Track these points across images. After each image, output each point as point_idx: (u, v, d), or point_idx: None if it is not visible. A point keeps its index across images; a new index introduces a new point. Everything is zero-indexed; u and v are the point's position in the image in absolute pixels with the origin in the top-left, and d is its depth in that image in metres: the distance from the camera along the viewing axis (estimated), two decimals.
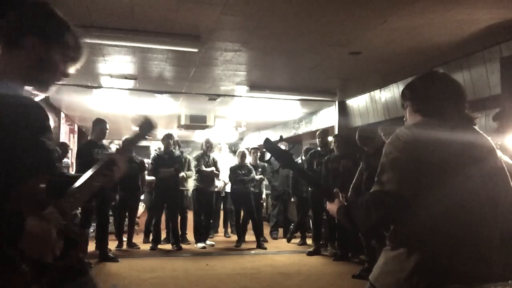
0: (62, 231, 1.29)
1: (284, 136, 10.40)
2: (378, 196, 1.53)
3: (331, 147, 6.49)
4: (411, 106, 1.72)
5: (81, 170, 3.56)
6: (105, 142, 6.11)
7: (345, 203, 1.73)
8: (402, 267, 1.50)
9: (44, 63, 1.38)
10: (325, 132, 6.91)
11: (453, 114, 1.64)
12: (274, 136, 11.38)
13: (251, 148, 8.16)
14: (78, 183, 1.38)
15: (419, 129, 1.58)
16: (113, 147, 6.93)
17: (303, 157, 7.48)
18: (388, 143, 1.61)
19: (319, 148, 6.73)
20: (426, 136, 1.55)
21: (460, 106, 1.66)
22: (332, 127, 7.89)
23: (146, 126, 1.69)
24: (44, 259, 1.23)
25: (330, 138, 6.78)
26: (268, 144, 1.91)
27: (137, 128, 1.69)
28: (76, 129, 11.15)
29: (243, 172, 7.26)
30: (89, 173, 1.42)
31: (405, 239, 1.54)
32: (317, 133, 6.88)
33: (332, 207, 1.77)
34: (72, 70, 1.48)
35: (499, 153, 1.72)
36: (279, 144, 1.94)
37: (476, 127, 1.68)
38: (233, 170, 7.30)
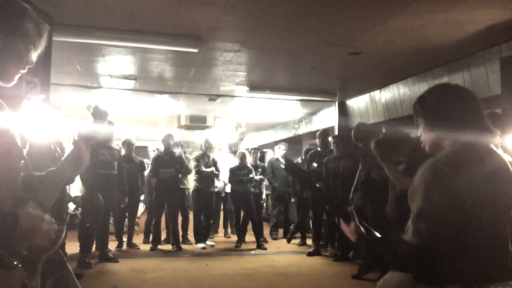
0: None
1: (284, 137, 10.43)
2: (419, 254, 1.43)
3: (331, 148, 6.49)
4: (425, 124, 1.63)
5: (85, 169, 3.58)
6: None
7: (363, 230, 1.62)
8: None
9: (1, 53, 1.34)
10: (326, 132, 6.91)
11: (473, 130, 1.54)
12: (274, 136, 11.39)
13: (251, 149, 8.16)
14: (50, 175, 1.41)
15: (456, 165, 1.46)
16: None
17: (303, 157, 7.48)
18: (427, 184, 1.47)
19: (319, 149, 6.73)
20: (464, 174, 1.44)
21: (479, 118, 1.57)
22: (332, 127, 7.89)
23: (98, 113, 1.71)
24: (41, 245, 1.27)
25: (331, 139, 6.77)
26: (289, 164, 1.92)
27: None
28: None
29: (243, 172, 7.26)
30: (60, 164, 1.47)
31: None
32: (318, 133, 6.88)
33: (347, 229, 1.66)
34: (34, 57, 1.43)
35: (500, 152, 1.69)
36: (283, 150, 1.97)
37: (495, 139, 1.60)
38: (233, 171, 7.30)
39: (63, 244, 1.65)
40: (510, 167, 1.56)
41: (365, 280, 4.95)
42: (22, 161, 1.38)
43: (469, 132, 1.53)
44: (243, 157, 7.37)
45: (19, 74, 1.40)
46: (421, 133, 1.67)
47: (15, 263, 1.24)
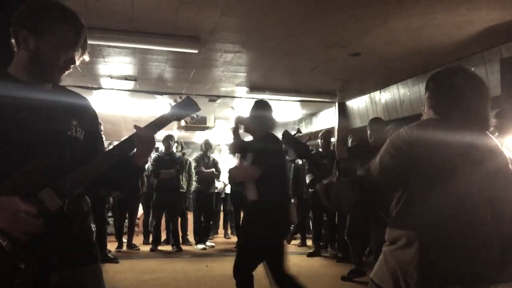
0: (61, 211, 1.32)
1: None
2: (360, 181, 1.63)
3: (333, 148, 6.50)
4: (428, 100, 1.70)
5: None
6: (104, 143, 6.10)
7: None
8: (399, 263, 1.52)
9: (38, 55, 1.40)
10: (328, 133, 6.86)
11: (467, 114, 1.58)
12: None
13: None
14: (85, 165, 1.40)
15: (421, 131, 1.57)
16: None
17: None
18: (390, 138, 1.64)
19: (320, 149, 6.71)
20: (425, 138, 1.55)
21: (478, 105, 1.60)
22: (332, 128, 7.89)
23: (186, 105, 1.63)
24: (12, 232, 1.24)
25: (332, 139, 6.77)
26: (287, 136, 2.03)
27: (173, 105, 1.63)
28: None
29: None
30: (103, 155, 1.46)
31: (400, 236, 1.55)
32: (320, 134, 6.85)
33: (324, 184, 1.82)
34: (78, 57, 1.52)
35: (506, 151, 1.70)
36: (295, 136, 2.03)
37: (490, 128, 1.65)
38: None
39: (96, 244, 1.61)
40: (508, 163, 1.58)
41: (365, 281, 4.94)
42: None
43: (460, 115, 1.58)
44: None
45: (64, 73, 1.49)
46: (424, 108, 1.74)
47: (5, 243, 1.24)
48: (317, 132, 7.20)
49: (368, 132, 4.80)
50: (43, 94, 1.45)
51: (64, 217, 1.34)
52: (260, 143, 3.25)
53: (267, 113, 3.33)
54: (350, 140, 6.28)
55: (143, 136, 1.52)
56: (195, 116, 1.69)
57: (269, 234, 3.01)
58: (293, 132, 2.11)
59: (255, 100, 3.55)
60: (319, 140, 6.77)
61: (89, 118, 1.58)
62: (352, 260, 5.27)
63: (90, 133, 1.55)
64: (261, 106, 3.38)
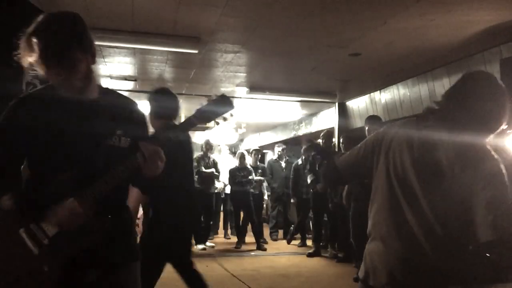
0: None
1: (284, 138, 10.43)
2: (326, 168, 1.86)
3: (335, 149, 6.49)
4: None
5: None
6: None
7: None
8: (382, 261, 1.55)
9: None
10: (329, 133, 6.84)
11: (469, 114, 1.52)
12: (274, 137, 11.39)
13: (253, 150, 8.16)
14: (103, 177, 1.44)
15: (400, 129, 1.64)
16: None
17: (303, 158, 7.46)
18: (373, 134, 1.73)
19: None
20: (399, 136, 1.60)
21: (486, 105, 1.52)
22: (332, 128, 7.88)
23: (221, 104, 1.50)
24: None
25: (333, 140, 6.75)
26: (316, 146, 2.33)
27: (206, 104, 1.53)
28: None
29: (242, 174, 7.25)
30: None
31: (381, 234, 1.58)
32: (321, 134, 6.83)
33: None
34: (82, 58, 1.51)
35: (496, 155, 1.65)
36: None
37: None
38: (232, 172, 7.30)
39: (136, 244, 1.68)
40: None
41: None
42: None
43: (452, 117, 1.55)
44: (241, 158, 7.37)
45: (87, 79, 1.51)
46: None
47: (45, 241, 1.38)
48: (317, 133, 7.20)
49: (366, 129, 4.86)
50: (88, 106, 1.50)
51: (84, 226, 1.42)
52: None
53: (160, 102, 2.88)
54: (342, 140, 6.30)
55: (149, 154, 1.46)
56: (230, 115, 1.57)
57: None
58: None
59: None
60: (320, 140, 6.76)
61: (136, 124, 1.64)
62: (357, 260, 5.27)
63: (137, 139, 1.55)
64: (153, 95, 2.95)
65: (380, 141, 1.64)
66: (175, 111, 2.87)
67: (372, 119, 5.05)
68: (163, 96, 2.92)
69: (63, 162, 1.44)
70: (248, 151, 8.10)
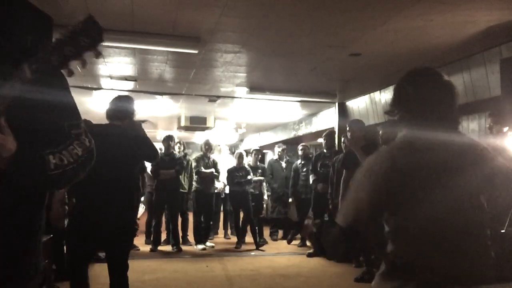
0: None
1: (284, 138, 10.43)
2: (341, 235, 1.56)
3: (336, 149, 6.49)
4: (397, 105, 1.65)
5: None
6: None
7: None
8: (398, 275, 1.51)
9: None
10: (331, 133, 6.82)
11: (441, 116, 1.54)
12: (274, 137, 11.39)
13: (253, 150, 8.16)
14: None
15: (403, 154, 1.51)
16: None
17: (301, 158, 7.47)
18: (365, 168, 1.56)
19: (324, 150, 6.69)
20: (409, 160, 1.48)
21: (447, 106, 1.55)
22: (332, 128, 7.88)
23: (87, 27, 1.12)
24: None
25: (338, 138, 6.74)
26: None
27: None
28: None
29: (240, 174, 7.24)
30: None
31: (397, 248, 1.54)
32: (323, 134, 6.82)
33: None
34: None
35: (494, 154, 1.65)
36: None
37: (460, 130, 1.59)
38: (230, 172, 7.30)
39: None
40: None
41: (366, 282, 4.94)
42: None
43: (432, 118, 1.53)
44: (240, 158, 7.36)
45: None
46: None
47: None
48: (317, 133, 7.20)
49: (380, 133, 4.82)
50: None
51: None
52: None
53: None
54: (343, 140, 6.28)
55: None
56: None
57: None
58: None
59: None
60: (322, 140, 6.76)
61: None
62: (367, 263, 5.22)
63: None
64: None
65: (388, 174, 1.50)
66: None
67: (355, 122, 5.12)
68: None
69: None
70: (248, 151, 8.10)
